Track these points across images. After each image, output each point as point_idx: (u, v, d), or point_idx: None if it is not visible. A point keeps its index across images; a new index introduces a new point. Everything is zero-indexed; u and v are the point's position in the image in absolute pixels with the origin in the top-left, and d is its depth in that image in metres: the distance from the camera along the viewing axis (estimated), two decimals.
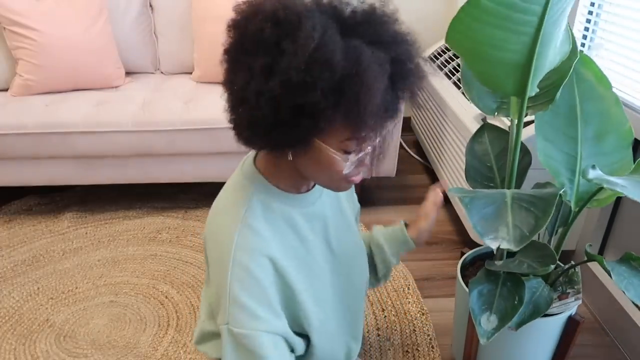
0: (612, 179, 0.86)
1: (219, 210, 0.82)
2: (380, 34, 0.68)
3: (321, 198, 0.89)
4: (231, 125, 0.73)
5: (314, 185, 0.88)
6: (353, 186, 1.01)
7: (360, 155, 0.72)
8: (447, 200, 2.23)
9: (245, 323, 0.75)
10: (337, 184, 0.77)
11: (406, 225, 1.11)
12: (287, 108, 0.64)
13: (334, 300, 0.92)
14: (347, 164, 0.72)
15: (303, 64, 0.62)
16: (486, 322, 1.03)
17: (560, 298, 1.15)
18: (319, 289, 0.87)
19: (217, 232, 0.79)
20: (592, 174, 0.87)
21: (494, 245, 0.84)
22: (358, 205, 1.10)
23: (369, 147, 0.72)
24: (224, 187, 0.85)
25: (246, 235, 0.76)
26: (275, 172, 0.81)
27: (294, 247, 0.82)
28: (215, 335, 0.93)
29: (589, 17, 1.72)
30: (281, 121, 0.66)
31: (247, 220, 0.77)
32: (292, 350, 0.84)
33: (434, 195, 1.09)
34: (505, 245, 0.83)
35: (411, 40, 0.71)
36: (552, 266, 1.01)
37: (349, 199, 1.02)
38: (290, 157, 0.74)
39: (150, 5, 2.35)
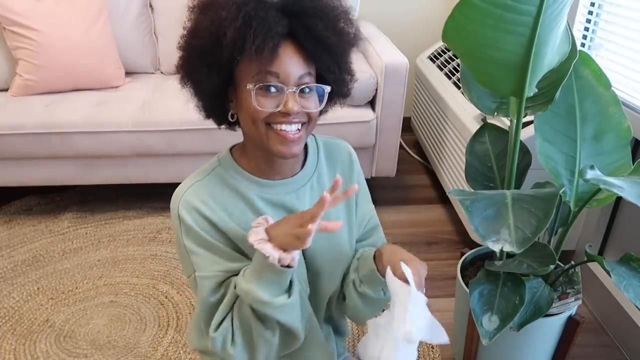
0: (609, 179, 0.86)
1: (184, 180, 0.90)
2: None
3: (297, 193, 0.89)
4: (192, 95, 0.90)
5: (290, 177, 0.89)
6: (364, 200, 0.99)
7: (267, 85, 0.76)
8: (446, 200, 2.23)
9: (205, 266, 0.84)
10: (263, 132, 0.79)
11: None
12: (208, 39, 0.79)
13: None
14: (253, 95, 0.76)
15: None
16: (488, 322, 1.03)
17: (560, 298, 1.15)
18: None
19: (174, 195, 0.88)
20: (590, 174, 0.87)
21: (496, 248, 0.83)
22: (369, 210, 1.02)
23: (277, 83, 0.77)
24: None
25: (192, 194, 0.84)
26: (242, 155, 0.89)
27: (243, 213, 0.86)
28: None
29: (589, 17, 1.72)
30: (206, 53, 0.80)
31: (199, 182, 0.85)
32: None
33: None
34: (507, 248, 0.82)
35: None
36: (552, 266, 1.01)
37: (348, 211, 0.96)
38: (234, 117, 0.84)
39: (150, 6, 2.35)
